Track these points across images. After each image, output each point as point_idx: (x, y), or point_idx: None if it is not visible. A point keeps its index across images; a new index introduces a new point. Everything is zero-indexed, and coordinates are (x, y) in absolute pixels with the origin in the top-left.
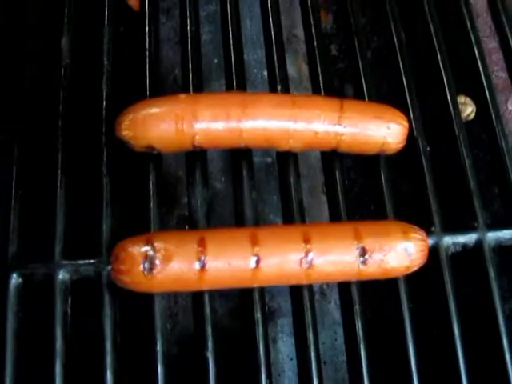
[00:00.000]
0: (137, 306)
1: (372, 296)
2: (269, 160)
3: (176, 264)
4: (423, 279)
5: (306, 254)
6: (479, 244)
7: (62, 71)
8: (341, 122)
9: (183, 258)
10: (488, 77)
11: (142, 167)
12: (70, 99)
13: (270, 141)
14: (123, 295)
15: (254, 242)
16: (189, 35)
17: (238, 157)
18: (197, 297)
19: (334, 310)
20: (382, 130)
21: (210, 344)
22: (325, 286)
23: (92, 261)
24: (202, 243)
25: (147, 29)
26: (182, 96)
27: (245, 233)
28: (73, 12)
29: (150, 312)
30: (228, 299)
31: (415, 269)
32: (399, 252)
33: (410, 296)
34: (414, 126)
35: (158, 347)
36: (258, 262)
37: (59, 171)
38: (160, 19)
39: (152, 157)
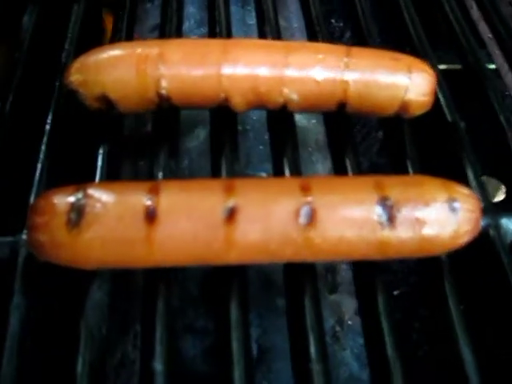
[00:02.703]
0: (62, 299)
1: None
2: (263, 175)
3: (114, 215)
4: (473, 277)
5: (305, 207)
6: None
7: (20, 46)
8: (348, 66)
9: (125, 207)
10: None
11: (93, 131)
12: (25, 68)
13: (258, 90)
14: (44, 282)
15: (229, 191)
16: None
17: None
18: (149, 279)
19: (350, 359)
20: (401, 77)
21: (158, 349)
22: (338, 328)
23: (9, 239)
24: (153, 190)
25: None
26: (150, 40)
27: (218, 182)
28: None
29: (79, 307)
30: (204, 336)
31: (466, 240)
32: (440, 208)
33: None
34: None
35: (84, 357)
36: (233, 216)
37: None
38: None
39: (108, 120)
